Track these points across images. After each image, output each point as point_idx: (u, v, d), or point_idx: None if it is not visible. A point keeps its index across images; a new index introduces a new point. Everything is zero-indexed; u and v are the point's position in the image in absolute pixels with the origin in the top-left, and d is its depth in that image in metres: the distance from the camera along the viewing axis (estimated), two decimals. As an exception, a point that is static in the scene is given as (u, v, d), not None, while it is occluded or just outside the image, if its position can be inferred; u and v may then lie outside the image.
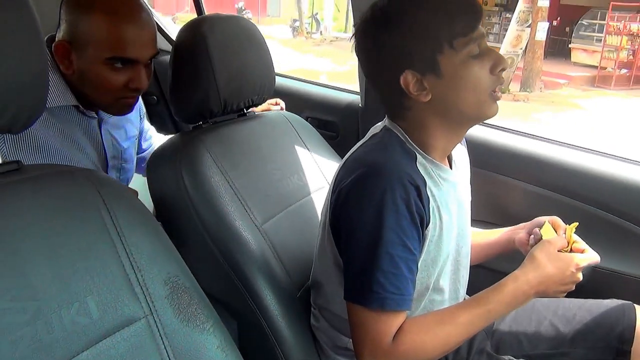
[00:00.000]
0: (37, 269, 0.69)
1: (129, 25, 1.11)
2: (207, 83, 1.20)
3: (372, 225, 0.89)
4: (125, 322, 0.75)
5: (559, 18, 12.56)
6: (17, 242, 0.68)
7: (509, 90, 9.37)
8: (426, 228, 0.94)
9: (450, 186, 1.02)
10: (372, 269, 0.89)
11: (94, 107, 1.23)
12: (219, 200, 1.14)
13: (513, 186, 1.51)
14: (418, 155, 0.97)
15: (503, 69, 0.94)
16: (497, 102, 0.96)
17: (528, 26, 9.21)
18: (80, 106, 1.19)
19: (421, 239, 0.93)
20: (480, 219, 1.58)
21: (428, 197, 0.94)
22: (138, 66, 1.14)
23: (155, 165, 1.23)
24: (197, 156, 1.16)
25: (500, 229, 1.24)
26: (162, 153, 1.24)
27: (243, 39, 1.28)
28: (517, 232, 1.16)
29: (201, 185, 1.14)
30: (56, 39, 1.13)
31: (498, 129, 1.60)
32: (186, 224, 1.15)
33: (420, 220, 0.91)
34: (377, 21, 0.95)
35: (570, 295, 1.18)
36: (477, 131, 1.58)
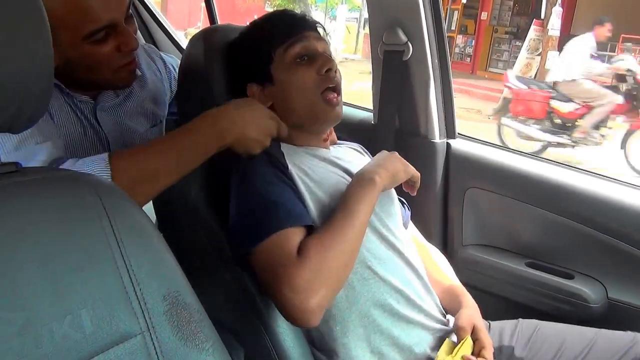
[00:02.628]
0: (29, 277, 0.65)
1: None
2: (216, 93, 1.17)
3: (236, 187, 1.00)
4: (120, 339, 0.70)
5: (568, 48, 12.60)
6: (9, 247, 0.64)
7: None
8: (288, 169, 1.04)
9: (316, 158, 1.11)
10: (247, 214, 0.97)
11: (93, 91, 1.13)
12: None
13: (527, 211, 1.47)
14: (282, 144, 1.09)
15: (329, 69, 1.07)
16: (335, 106, 1.08)
17: (538, 54, 9.25)
18: (63, 85, 1.06)
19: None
20: (494, 244, 1.55)
21: (283, 154, 1.06)
22: (119, 27, 1.02)
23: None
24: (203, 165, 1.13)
25: (453, 293, 1.21)
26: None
27: None
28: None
29: (205, 191, 1.12)
30: None
31: (512, 152, 1.57)
32: (189, 231, 1.12)
33: (282, 168, 1.02)
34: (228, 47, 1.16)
35: (588, 325, 1.21)
36: (492, 154, 1.56)
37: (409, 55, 1.51)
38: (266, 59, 1.10)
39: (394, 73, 1.54)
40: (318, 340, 1.06)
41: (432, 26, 1.50)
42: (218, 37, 1.19)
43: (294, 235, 0.93)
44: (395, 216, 1.18)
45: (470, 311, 1.13)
